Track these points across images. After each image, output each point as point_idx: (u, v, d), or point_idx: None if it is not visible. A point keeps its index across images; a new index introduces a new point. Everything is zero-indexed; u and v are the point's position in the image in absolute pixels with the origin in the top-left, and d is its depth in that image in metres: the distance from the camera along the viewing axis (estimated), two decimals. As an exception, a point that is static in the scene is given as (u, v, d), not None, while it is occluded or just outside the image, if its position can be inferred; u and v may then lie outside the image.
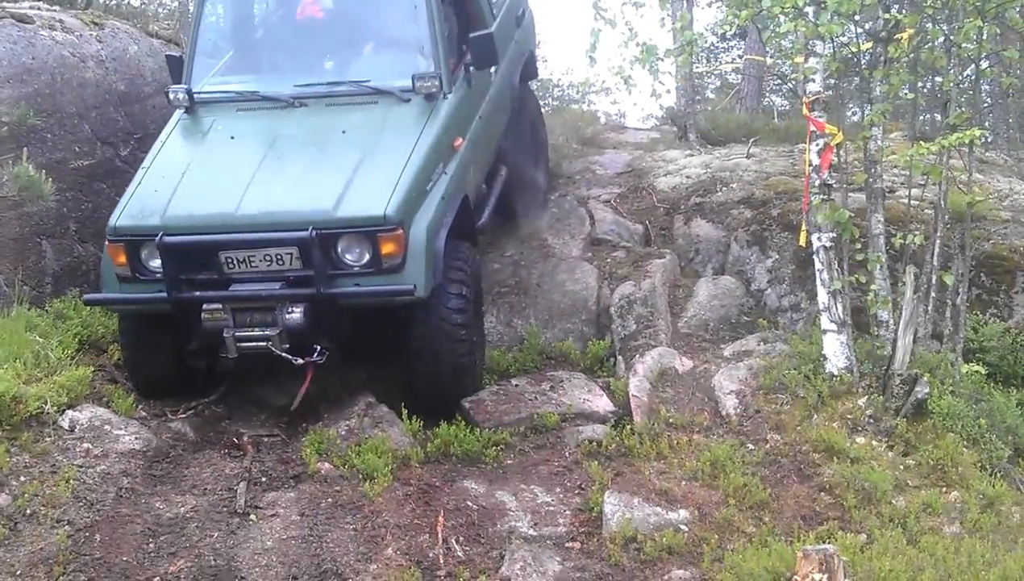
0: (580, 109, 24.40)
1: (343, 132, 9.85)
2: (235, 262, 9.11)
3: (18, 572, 7.42)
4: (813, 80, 10.36)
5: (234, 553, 7.86)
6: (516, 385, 10.81)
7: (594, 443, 9.68)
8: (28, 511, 7.97)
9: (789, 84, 18.84)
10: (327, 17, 11.15)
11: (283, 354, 9.05)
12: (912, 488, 8.88)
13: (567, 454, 9.66)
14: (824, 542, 7.61)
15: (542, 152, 14.37)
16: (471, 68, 10.73)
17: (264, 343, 9.03)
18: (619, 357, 11.44)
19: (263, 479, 8.84)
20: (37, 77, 11.61)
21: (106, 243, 9.43)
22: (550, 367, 11.44)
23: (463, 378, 9.98)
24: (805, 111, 10.48)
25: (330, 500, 8.48)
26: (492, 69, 11.36)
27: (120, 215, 9.40)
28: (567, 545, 8.39)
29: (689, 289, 12.64)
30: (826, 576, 6.46)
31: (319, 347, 9.17)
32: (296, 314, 8.98)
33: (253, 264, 9.10)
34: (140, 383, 9.99)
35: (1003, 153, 17.02)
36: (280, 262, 9.07)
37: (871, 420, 9.56)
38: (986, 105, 17.31)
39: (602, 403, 10.45)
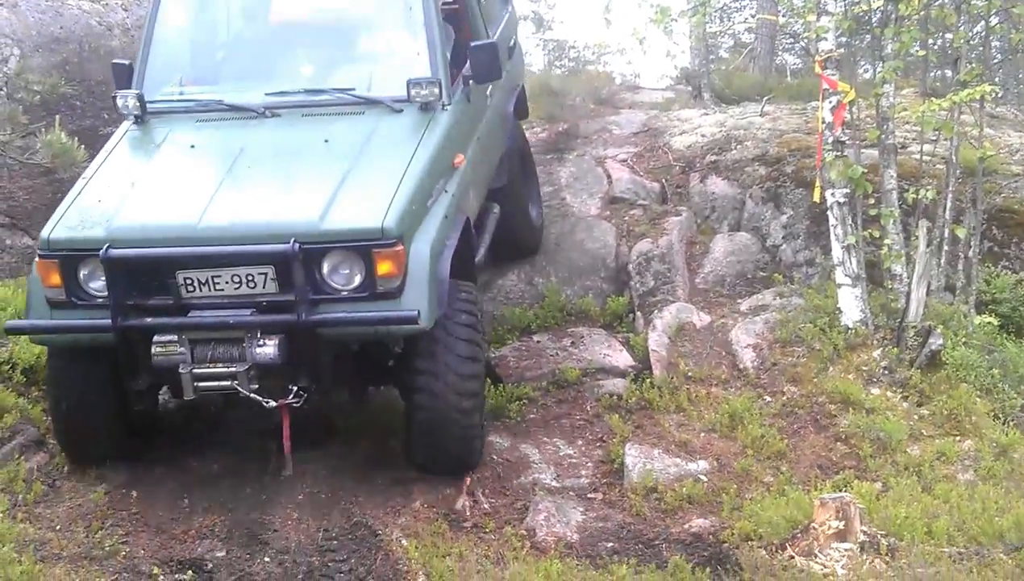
0: (596, 70, 24.42)
1: (325, 141, 8.32)
2: (195, 284, 7.40)
3: (58, 527, 7.54)
4: (825, 38, 10.43)
5: (267, 508, 7.93)
6: (538, 341, 10.99)
7: (614, 397, 9.81)
8: (66, 469, 8.19)
9: (801, 43, 18.97)
10: (303, 19, 9.63)
11: (252, 395, 7.42)
12: (926, 437, 9.00)
13: (588, 408, 9.79)
14: (840, 490, 7.70)
15: (535, 192, 12.59)
16: (471, 81, 9.22)
17: (229, 382, 7.37)
18: (638, 313, 11.58)
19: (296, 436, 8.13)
20: (65, 46, 11.79)
21: (36, 260, 7.76)
22: (570, 323, 11.54)
23: (473, 440, 8.31)
24: (818, 69, 10.57)
25: (359, 456, 8.55)
26: (488, 91, 10.02)
27: (55, 226, 7.68)
28: (589, 496, 8.53)
29: (705, 246, 12.75)
30: (843, 523, 6.60)
31: (295, 387, 7.59)
32: (269, 347, 7.33)
33: (217, 286, 7.40)
34: (71, 440, 8.25)
35: (1013, 108, 17.07)
36: (251, 284, 7.38)
37: (886, 371, 9.69)
38: (996, 61, 17.29)
39: (622, 358, 10.62)
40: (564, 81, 19.99)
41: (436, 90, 8.52)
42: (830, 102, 10.34)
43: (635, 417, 9.48)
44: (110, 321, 7.40)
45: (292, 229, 7.30)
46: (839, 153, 10.27)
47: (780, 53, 25.11)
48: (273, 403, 7.55)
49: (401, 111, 8.52)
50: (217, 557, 7.34)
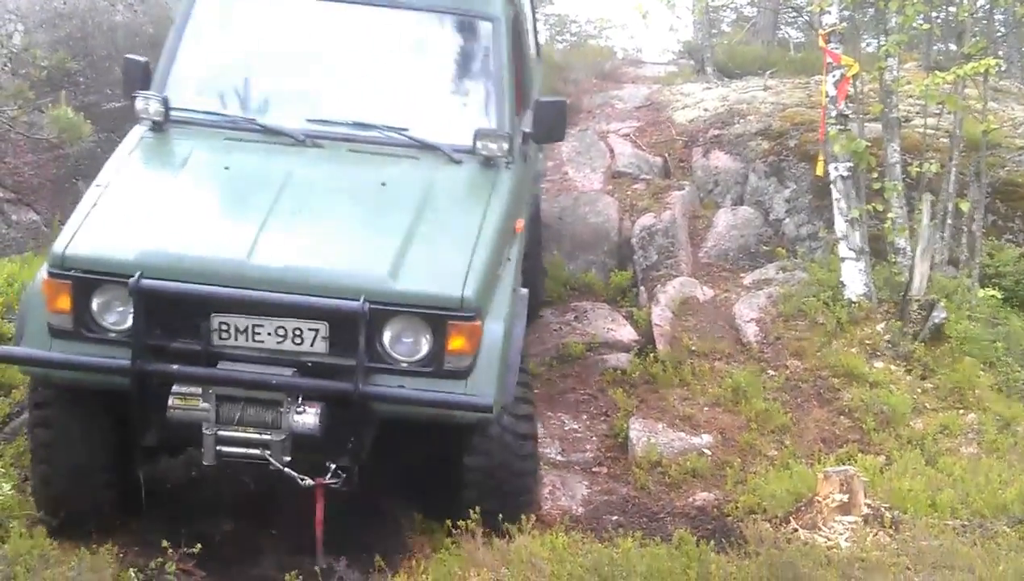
0: (598, 45, 24.41)
1: (383, 185, 7.12)
2: (231, 331, 6.31)
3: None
4: (829, 12, 10.45)
5: None
6: (541, 316, 11.03)
7: (619, 371, 9.85)
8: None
9: (804, 16, 18.91)
10: (355, 43, 8.12)
11: (285, 469, 6.34)
12: (930, 410, 9.05)
13: (593, 382, 9.83)
14: (844, 464, 7.70)
15: (540, 260, 11.52)
16: (530, 140, 8.34)
17: (259, 451, 6.30)
18: (641, 287, 11.63)
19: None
20: (68, 21, 11.76)
21: (42, 277, 6.43)
22: (574, 298, 11.62)
23: (530, 493, 7.42)
24: (821, 43, 10.60)
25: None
26: (530, 150, 8.92)
27: (71, 241, 6.37)
28: (594, 470, 8.57)
29: (708, 220, 12.81)
30: (847, 496, 6.61)
31: (334, 466, 6.52)
32: (309, 416, 6.28)
33: (257, 337, 6.31)
34: (52, 500, 6.84)
35: (1017, 82, 17.07)
36: (297, 340, 6.31)
37: (889, 345, 9.72)
38: (1000, 34, 17.30)
39: (626, 332, 10.67)
40: (566, 56, 20.05)
41: (505, 145, 7.42)
42: (833, 76, 10.36)
43: (639, 391, 9.51)
44: (128, 362, 6.19)
45: (361, 284, 6.25)
46: (842, 127, 10.30)
47: (783, 27, 25.08)
48: (310, 481, 6.44)
49: (460, 162, 7.39)
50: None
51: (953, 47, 13.90)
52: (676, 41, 23.40)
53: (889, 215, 10.53)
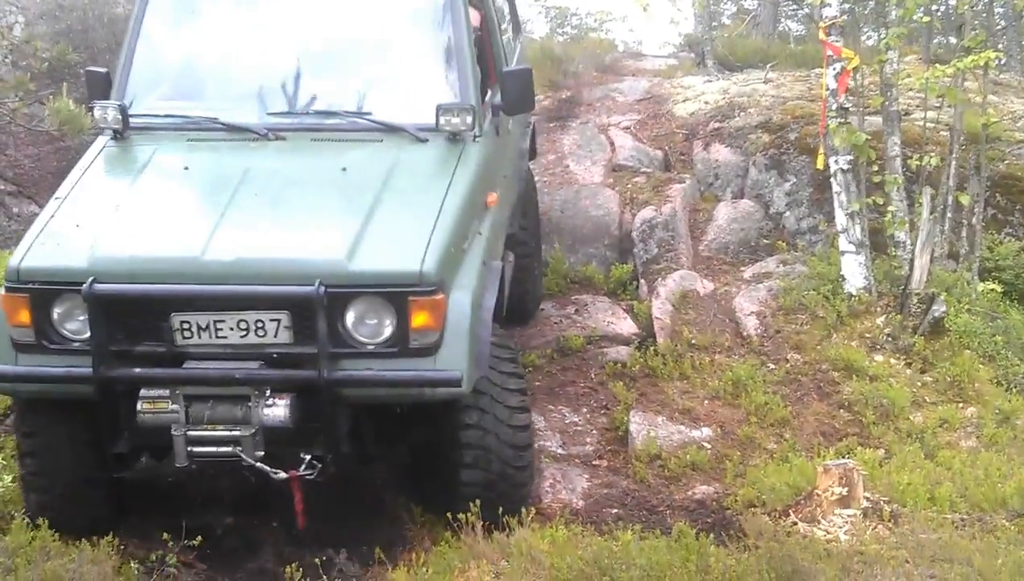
0: (598, 37, 24.39)
1: (343, 169, 7.05)
2: (193, 329, 6.19)
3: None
4: (829, 5, 10.43)
5: None
6: (542, 309, 11.02)
7: (619, 364, 9.85)
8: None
9: (805, 9, 18.94)
10: (311, 32, 7.98)
11: (257, 464, 6.24)
12: (929, 404, 9.05)
13: (593, 375, 9.82)
14: (844, 457, 7.69)
15: (539, 247, 11.29)
16: (500, 112, 8.12)
17: (231, 448, 6.21)
18: (642, 280, 11.63)
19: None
20: (69, 14, 11.77)
21: (0, 294, 6.35)
22: (575, 291, 11.61)
23: (527, 486, 7.35)
24: (821, 36, 10.58)
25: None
26: (508, 125, 8.95)
27: (26, 255, 6.33)
28: (594, 463, 8.56)
29: (709, 213, 12.80)
30: (846, 490, 6.62)
31: (308, 457, 6.44)
32: (279, 408, 6.19)
33: (220, 333, 6.20)
34: (41, 505, 6.78)
35: (1017, 75, 17.04)
36: (260, 332, 6.20)
37: (889, 338, 9.73)
38: (1000, 27, 17.32)
39: (626, 325, 10.67)
40: (566, 48, 20.00)
41: (469, 118, 7.26)
42: (834, 69, 10.36)
43: (639, 385, 9.51)
44: (90, 369, 6.16)
45: (315, 269, 6.14)
46: (843, 120, 10.29)
47: (783, 19, 25.08)
48: (283, 474, 6.36)
49: (426, 141, 7.28)
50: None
51: (953, 40, 13.88)
52: (677, 34, 23.39)
53: (889, 208, 10.54)
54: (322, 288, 6.01)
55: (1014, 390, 9.31)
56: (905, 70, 12.06)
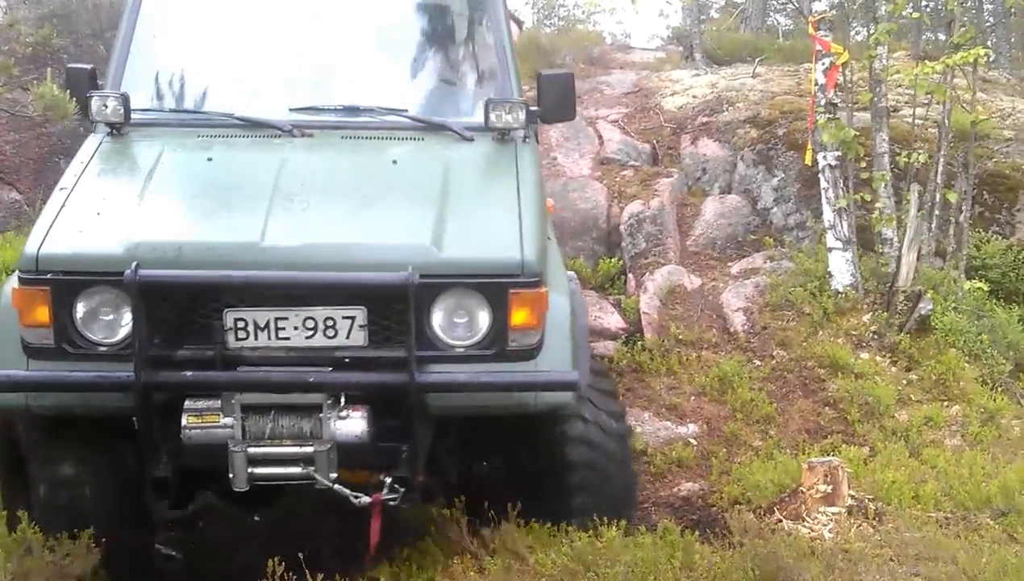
0: (586, 29, 24.39)
1: (393, 162, 6.13)
2: (250, 328, 5.19)
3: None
4: None
5: None
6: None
7: (606, 359, 9.79)
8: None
9: (794, 3, 18.89)
10: (337, 19, 7.05)
11: (335, 487, 5.28)
12: (914, 402, 9.04)
13: (579, 370, 9.76)
14: (829, 455, 7.72)
15: None
16: (539, 120, 6.84)
17: (301, 468, 5.22)
18: (629, 275, 11.62)
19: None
20: (52, -1, 11.73)
21: (10, 288, 5.30)
22: (562, 285, 11.52)
23: (634, 492, 6.78)
24: (811, 30, 10.59)
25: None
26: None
27: (45, 240, 5.23)
28: (580, 458, 8.53)
29: (696, 208, 12.78)
30: (831, 487, 6.59)
31: (390, 479, 5.49)
32: (355, 419, 5.22)
33: (281, 333, 5.19)
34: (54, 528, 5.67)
35: (1006, 72, 17.08)
36: (329, 332, 5.21)
37: (875, 336, 9.72)
38: (989, 24, 17.30)
39: (614, 320, 10.63)
40: (553, 40, 20.02)
41: (521, 115, 6.34)
42: (823, 64, 10.36)
43: (626, 380, 9.50)
44: (130, 374, 5.07)
45: (403, 256, 5.17)
46: (831, 116, 10.29)
47: (772, 14, 25.13)
48: (366, 499, 5.42)
49: (472, 140, 6.34)
50: None
51: (942, 37, 13.90)
52: (665, 27, 23.51)
53: (877, 205, 10.53)
54: (416, 274, 5.06)
55: (999, 389, 9.31)
56: (894, 66, 12.05)
